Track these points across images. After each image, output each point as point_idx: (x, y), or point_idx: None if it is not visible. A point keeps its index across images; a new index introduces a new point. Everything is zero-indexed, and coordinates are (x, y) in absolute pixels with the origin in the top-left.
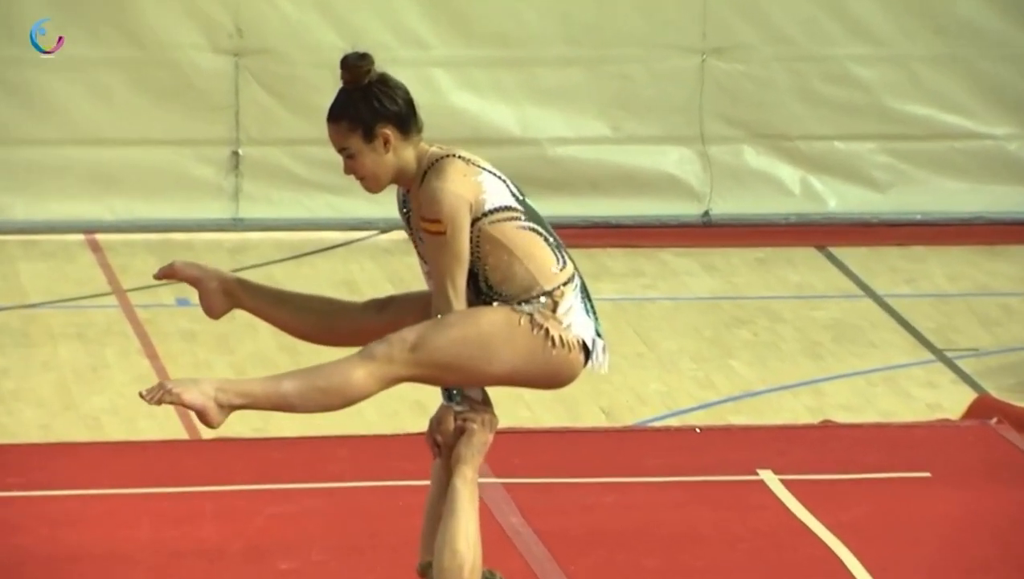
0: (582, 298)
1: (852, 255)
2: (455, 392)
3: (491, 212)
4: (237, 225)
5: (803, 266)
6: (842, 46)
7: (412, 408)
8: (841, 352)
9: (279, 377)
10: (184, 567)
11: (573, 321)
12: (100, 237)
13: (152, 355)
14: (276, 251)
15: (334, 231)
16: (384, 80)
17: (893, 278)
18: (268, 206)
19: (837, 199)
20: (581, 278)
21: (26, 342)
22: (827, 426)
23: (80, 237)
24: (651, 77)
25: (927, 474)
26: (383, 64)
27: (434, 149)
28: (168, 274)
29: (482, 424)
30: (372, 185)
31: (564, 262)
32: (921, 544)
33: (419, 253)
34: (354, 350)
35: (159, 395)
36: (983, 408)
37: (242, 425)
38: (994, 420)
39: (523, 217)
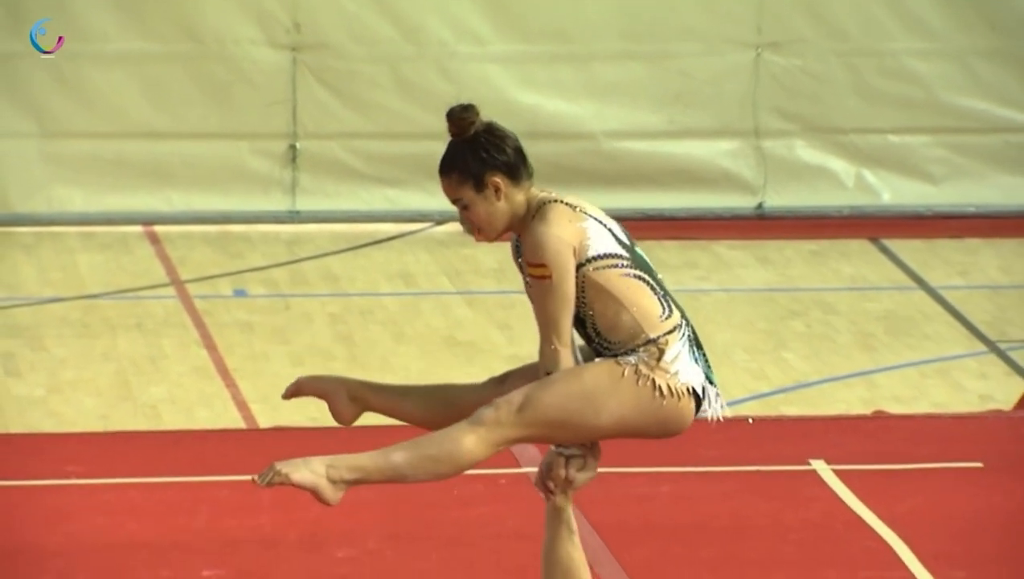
0: (690, 346)
1: (906, 248)
2: None
3: (595, 258)
4: (294, 217)
5: (857, 258)
6: (898, 40)
7: None
8: (894, 344)
9: (388, 450)
10: (242, 555)
11: (680, 369)
12: (158, 229)
13: (210, 346)
14: (332, 243)
15: (390, 223)
16: (491, 129)
17: (947, 270)
18: (324, 199)
19: (891, 192)
20: (691, 326)
21: (85, 333)
22: (880, 417)
23: (138, 229)
24: (707, 72)
25: (979, 465)
26: (440, 59)
27: (542, 194)
28: (295, 393)
29: (586, 461)
30: (487, 233)
31: (670, 311)
32: (974, 535)
33: (530, 297)
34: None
35: (269, 477)
36: None
37: (299, 414)
38: None
39: (628, 265)
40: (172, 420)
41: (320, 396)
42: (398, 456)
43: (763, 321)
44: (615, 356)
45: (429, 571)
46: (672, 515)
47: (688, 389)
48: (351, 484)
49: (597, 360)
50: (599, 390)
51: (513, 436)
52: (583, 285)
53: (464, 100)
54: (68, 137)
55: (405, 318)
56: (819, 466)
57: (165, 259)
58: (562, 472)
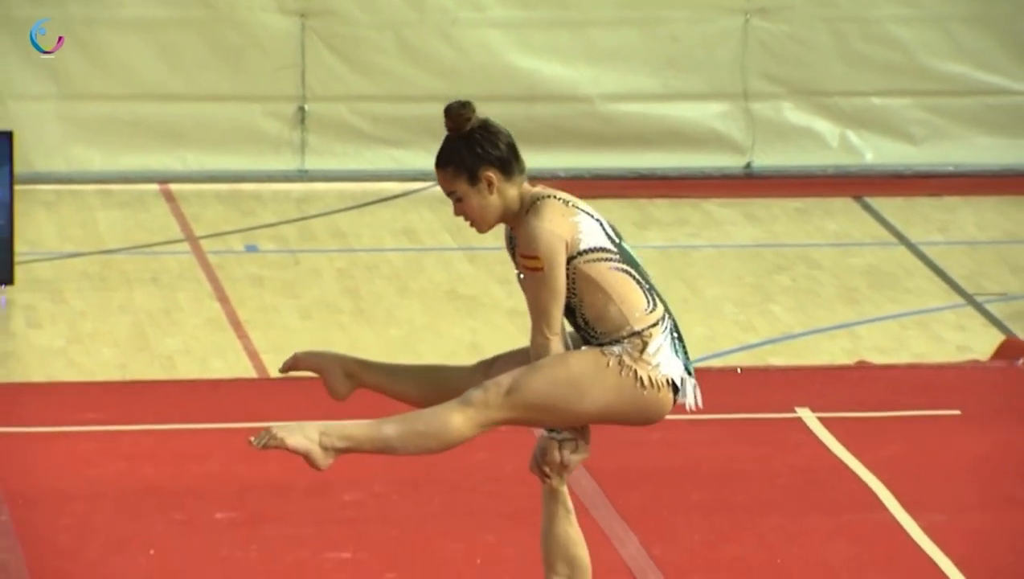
0: (672, 338)
1: (888, 205)
2: None
3: (586, 252)
4: (303, 176)
5: (841, 216)
6: (881, 7)
7: (468, 350)
8: (876, 297)
9: (380, 422)
10: (253, 499)
11: (662, 361)
12: (173, 187)
13: (223, 299)
14: (339, 201)
15: (394, 182)
16: (486, 126)
17: (926, 227)
18: (332, 158)
19: (874, 152)
20: (672, 319)
21: (104, 286)
22: (862, 367)
23: (154, 187)
24: (698, 37)
25: (957, 412)
26: (442, 25)
27: (536, 189)
28: (292, 366)
29: (577, 444)
30: (480, 225)
31: (654, 304)
32: (952, 479)
33: (522, 288)
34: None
35: (264, 440)
36: (1010, 349)
37: None
38: (1021, 361)
39: (617, 259)
40: (187, 370)
41: (315, 371)
42: (389, 429)
43: (751, 276)
44: (601, 345)
45: (432, 514)
46: (664, 461)
47: (668, 381)
48: (341, 452)
49: (583, 348)
50: (584, 378)
51: (500, 417)
52: (574, 277)
53: (465, 65)
54: (87, 99)
55: (409, 273)
56: (804, 414)
57: (180, 216)
58: (556, 456)
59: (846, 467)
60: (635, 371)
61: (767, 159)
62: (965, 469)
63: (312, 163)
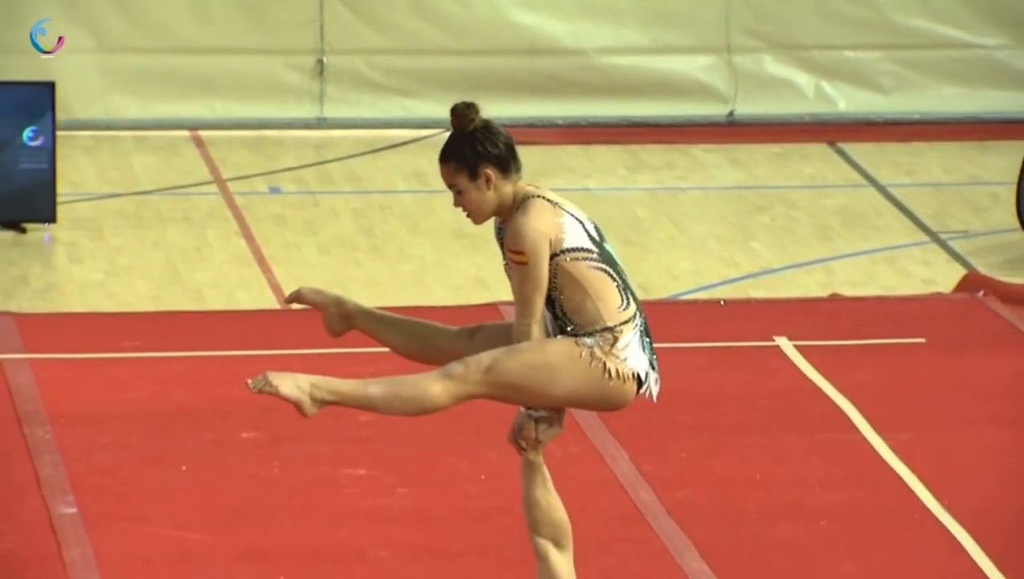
0: (641, 336)
1: (859, 150)
2: None
3: (568, 250)
4: (321, 124)
5: (816, 160)
6: None
7: (474, 284)
8: (848, 235)
9: (367, 382)
10: (276, 420)
11: (629, 355)
12: (203, 133)
13: (248, 237)
14: (355, 147)
15: (406, 129)
16: (488, 126)
17: (895, 170)
18: (348, 107)
19: (846, 101)
20: (643, 317)
21: (139, 225)
22: (835, 299)
23: (185, 133)
24: None
25: (922, 341)
26: None
27: (528, 188)
28: (295, 299)
29: (552, 421)
30: (476, 217)
31: (628, 303)
32: (917, 402)
33: (508, 277)
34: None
35: (260, 385)
36: (971, 283)
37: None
38: (981, 293)
39: (596, 258)
40: (215, 302)
41: (316, 307)
42: (374, 390)
43: (733, 215)
44: (576, 336)
45: (440, 434)
46: None
47: (633, 374)
48: (328, 404)
49: (559, 337)
50: (558, 365)
51: (475, 392)
52: (555, 272)
53: (471, 21)
54: (123, 52)
55: (419, 213)
56: (782, 342)
57: (209, 160)
58: (531, 432)
59: (820, 391)
60: (604, 363)
61: (748, 108)
62: (929, 393)
63: (330, 112)
